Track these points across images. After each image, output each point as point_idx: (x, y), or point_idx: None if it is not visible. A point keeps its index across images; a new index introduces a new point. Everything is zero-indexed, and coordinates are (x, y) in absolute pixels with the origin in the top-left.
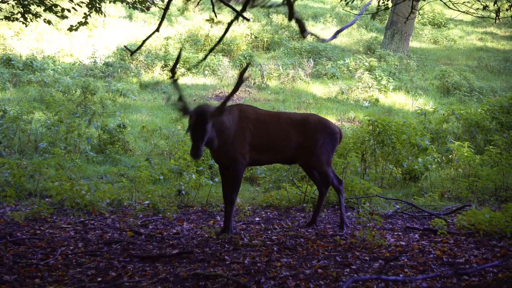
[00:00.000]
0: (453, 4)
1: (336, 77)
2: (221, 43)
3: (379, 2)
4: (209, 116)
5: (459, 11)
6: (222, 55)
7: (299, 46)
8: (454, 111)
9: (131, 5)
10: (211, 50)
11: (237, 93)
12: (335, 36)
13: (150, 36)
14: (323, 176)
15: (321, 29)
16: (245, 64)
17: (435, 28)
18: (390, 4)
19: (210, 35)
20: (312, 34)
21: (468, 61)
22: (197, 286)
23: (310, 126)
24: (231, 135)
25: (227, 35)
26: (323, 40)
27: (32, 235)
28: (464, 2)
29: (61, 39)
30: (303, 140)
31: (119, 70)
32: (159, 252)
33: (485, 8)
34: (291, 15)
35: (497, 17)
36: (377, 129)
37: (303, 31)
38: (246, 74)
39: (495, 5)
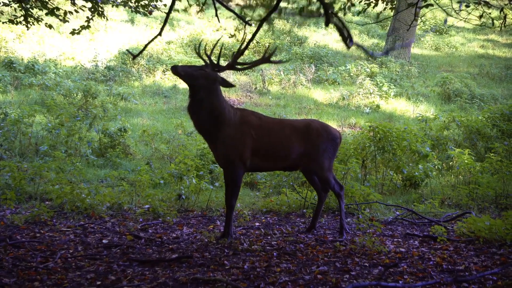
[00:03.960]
0: (454, 11)
1: (337, 83)
2: (223, 47)
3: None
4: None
5: (459, 18)
6: (224, 60)
7: (300, 51)
8: (455, 118)
9: (133, 9)
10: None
11: (238, 98)
12: (386, 52)
13: (152, 40)
14: (324, 182)
15: (323, 35)
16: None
17: (437, 35)
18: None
19: (212, 39)
20: (359, 46)
21: (469, 68)
22: None
23: (312, 132)
24: (230, 137)
25: (229, 40)
26: (372, 55)
27: (31, 238)
28: (463, 10)
29: (63, 42)
30: (305, 147)
31: (121, 74)
32: (159, 256)
33: (481, 16)
34: (327, 21)
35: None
36: (378, 135)
37: (346, 40)
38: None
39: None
